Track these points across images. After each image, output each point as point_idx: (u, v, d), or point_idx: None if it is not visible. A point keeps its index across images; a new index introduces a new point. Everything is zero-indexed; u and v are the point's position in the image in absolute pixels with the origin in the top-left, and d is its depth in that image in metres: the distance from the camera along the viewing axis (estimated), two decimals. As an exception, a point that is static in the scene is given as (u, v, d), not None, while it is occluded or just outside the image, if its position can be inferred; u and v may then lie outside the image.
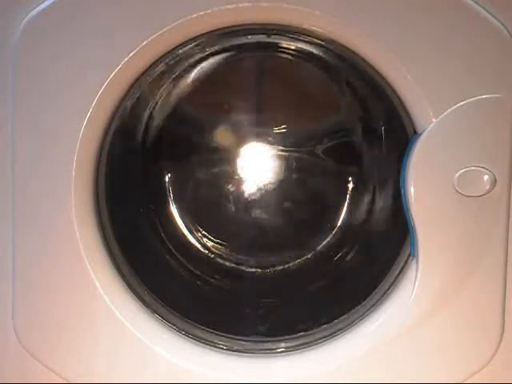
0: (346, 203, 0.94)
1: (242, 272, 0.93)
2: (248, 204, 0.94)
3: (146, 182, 0.92)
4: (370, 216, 0.91)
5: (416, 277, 0.69)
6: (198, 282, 0.91)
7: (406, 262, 0.73)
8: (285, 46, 0.86)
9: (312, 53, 0.84)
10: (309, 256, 0.93)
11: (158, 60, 0.68)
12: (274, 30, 0.76)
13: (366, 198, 0.92)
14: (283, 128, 0.93)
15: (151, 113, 0.89)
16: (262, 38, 0.83)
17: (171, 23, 0.65)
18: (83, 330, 0.71)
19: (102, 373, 0.71)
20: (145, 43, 0.66)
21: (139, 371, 0.71)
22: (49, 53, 0.66)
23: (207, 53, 0.85)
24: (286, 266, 0.94)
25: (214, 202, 0.95)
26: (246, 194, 0.94)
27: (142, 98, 0.79)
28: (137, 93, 0.73)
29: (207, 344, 0.75)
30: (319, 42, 0.73)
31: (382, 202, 0.89)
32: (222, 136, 0.94)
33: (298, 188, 0.95)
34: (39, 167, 0.68)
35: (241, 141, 0.93)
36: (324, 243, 0.94)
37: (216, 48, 0.84)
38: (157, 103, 0.89)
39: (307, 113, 0.94)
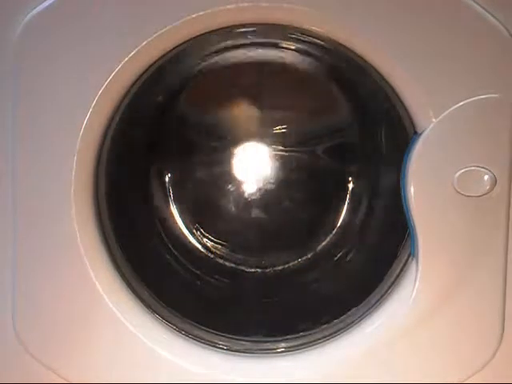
0: (346, 203, 0.94)
1: (241, 272, 0.93)
2: (248, 204, 0.94)
3: (146, 181, 0.92)
4: (370, 216, 0.91)
5: (416, 277, 0.69)
6: (198, 282, 0.91)
7: (405, 262, 0.73)
8: (285, 46, 0.86)
9: (312, 53, 0.84)
10: (309, 256, 0.93)
11: (157, 60, 0.68)
12: (274, 29, 0.75)
13: (366, 198, 0.92)
14: (283, 128, 0.93)
15: (151, 112, 0.89)
16: (262, 38, 0.83)
17: (171, 23, 0.65)
18: (83, 330, 0.71)
19: (101, 373, 0.71)
20: (145, 43, 0.66)
21: (139, 371, 0.71)
22: (49, 52, 0.66)
23: (207, 53, 0.85)
24: (286, 266, 0.94)
25: (213, 202, 0.95)
26: (246, 194, 0.94)
27: (141, 97, 0.78)
28: (137, 92, 0.73)
29: (207, 344, 0.75)
30: (319, 41, 0.73)
31: (382, 202, 0.89)
32: (222, 136, 0.94)
33: (298, 188, 0.95)
34: (39, 167, 0.68)
35: (241, 141, 0.93)
36: (324, 243, 0.94)
37: (216, 48, 0.84)
38: (157, 103, 0.89)
39: (307, 113, 0.94)
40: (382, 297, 0.74)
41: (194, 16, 0.65)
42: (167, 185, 0.94)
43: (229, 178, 0.94)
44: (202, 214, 0.95)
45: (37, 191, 0.68)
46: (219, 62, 0.88)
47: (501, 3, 0.65)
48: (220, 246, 0.95)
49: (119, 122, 0.73)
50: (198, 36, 0.68)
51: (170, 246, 0.91)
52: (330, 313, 0.78)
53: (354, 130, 0.92)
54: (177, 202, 0.94)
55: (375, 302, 0.74)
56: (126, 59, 0.66)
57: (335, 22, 0.66)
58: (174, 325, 0.75)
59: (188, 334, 0.75)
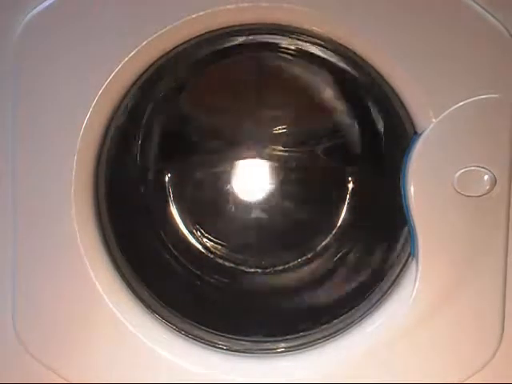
0: (346, 203, 0.94)
1: (241, 272, 0.93)
2: (248, 204, 0.94)
3: (146, 182, 0.92)
4: (370, 216, 0.91)
5: (416, 277, 0.69)
6: (198, 282, 0.91)
7: (405, 262, 0.73)
8: (285, 46, 0.86)
9: (312, 53, 0.84)
10: (309, 256, 0.93)
11: (157, 60, 0.68)
12: (273, 29, 0.75)
13: (366, 198, 0.92)
14: (283, 128, 0.93)
15: (151, 112, 0.89)
16: (262, 37, 0.83)
17: (171, 23, 0.65)
18: (83, 329, 0.71)
19: (101, 373, 0.71)
20: (145, 43, 0.66)
21: (139, 371, 0.71)
22: (49, 52, 0.66)
23: (207, 53, 0.85)
24: (286, 266, 0.94)
25: (213, 202, 0.95)
26: (245, 194, 0.94)
27: (141, 97, 0.78)
28: (137, 93, 0.73)
29: (207, 344, 0.75)
30: (319, 41, 0.73)
31: (382, 202, 0.89)
32: (221, 136, 0.94)
33: (298, 188, 0.95)
34: (39, 167, 0.68)
35: (241, 141, 0.93)
36: (324, 243, 0.93)
37: (216, 48, 0.84)
38: (157, 103, 0.89)
39: (307, 113, 0.94)
40: (382, 297, 0.74)
41: (193, 16, 0.65)
42: (167, 185, 0.94)
43: (229, 178, 0.94)
44: (202, 214, 0.95)
45: (37, 191, 0.68)
46: (219, 62, 0.88)
47: (501, 3, 0.65)
48: (220, 246, 0.95)
49: (119, 122, 0.73)
50: (197, 36, 0.68)
51: (170, 246, 0.91)
52: (330, 313, 0.78)
53: (354, 130, 0.92)
54: (177, 201, 0.94)
55: (375, 302, 0.74)
56: (126, 59, 0.66)
57: (335, 22, 0.66)
58: (174, 325, 0.75)
59: (188, 334, 0.75)
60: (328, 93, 0.91)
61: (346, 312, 0.77)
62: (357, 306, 0.77)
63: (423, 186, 0.67)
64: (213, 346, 0.75)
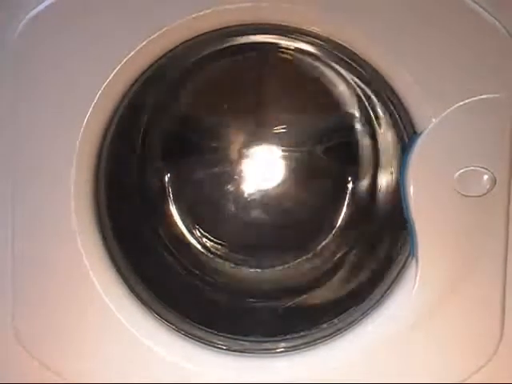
0: (346, 203, 0.94)
1: (241, 272, 0.93)
2: (248, 204, 0.94)
3: (145, 182, 0.92)
4: (370, 216, 0.91)
5: (416, 276, 0.69)
6: (198, 282, 0.91)
7: (405, 261, 0.73)
8: (285, 45, 0.86)
9: (312, 53, 0.85)
10: (309, 256, 0.93)
11: (157, 60, 0.68)
12: (273, 29, 0.76)
13: (366, 198, 0.92)
14: (283, 128, 0.94)
15: (151, 113, 0.89)
16: (262, 37, 0.83)
17: (171, 23, 0.65)
18: (82, 329, 0.71)
19: (100, 372, 0.71)
20: (145, 43, 0.66)
21: (139, 371, 0.71)
22: (49, 52, 0.66)
23: (207, 52, 0.85)
24: (286, 266, 0.94)
25: (213, 202, 0.95)
26: (245, 194, 0.94)
27: (142, 97, 0.79)
28: (137, 93, 0.73)
29: (207, 344, 0.75)
30: (319, 41, 0.73)
31: (382, 202, 0.89)
32: (222, 136, 0.94)
33: (297, 188, 0.95)
34: (39, 167, 0.68)
35: (241, 141, 0.93)
36: (324, 243, 0.94)
37: (216, 48, 0.84)
38: (157, 103, 0.89)
39: (307, 113, 0.94)
40: (382, 297, 0.74)
41: (193, 16, 0.65)
42: (167, 185, 0.94)
43: (229, 178, 0.94)
44: (202, 214, 0.95)
45: (37, 191, 0.68)
46: (219, 61, 0.88)
47: (501, 3, 0.65)
48: (220, 246, 0.95)
49: (119, 122, 0.73)
50: (197, 36, 0.68)
51: (170, 246, 0.91)
52: (330, 313, 0.78)
53: (354, 130, 0.92)
54: (176, 201, 0.94)
55: (375, 302, 0.74)
56: (126, 59, 0.66)
57: (335, 22, 0.66)
58: (174, 324, 0.75)
59: (187, 334, 0.75)
60: (327, 93, 0.91)
61: (346, 312, 0.77)
62: (357, 306, 0.77)
63: (423, 185, 0.67)
64: (213, 346, 0.75)
